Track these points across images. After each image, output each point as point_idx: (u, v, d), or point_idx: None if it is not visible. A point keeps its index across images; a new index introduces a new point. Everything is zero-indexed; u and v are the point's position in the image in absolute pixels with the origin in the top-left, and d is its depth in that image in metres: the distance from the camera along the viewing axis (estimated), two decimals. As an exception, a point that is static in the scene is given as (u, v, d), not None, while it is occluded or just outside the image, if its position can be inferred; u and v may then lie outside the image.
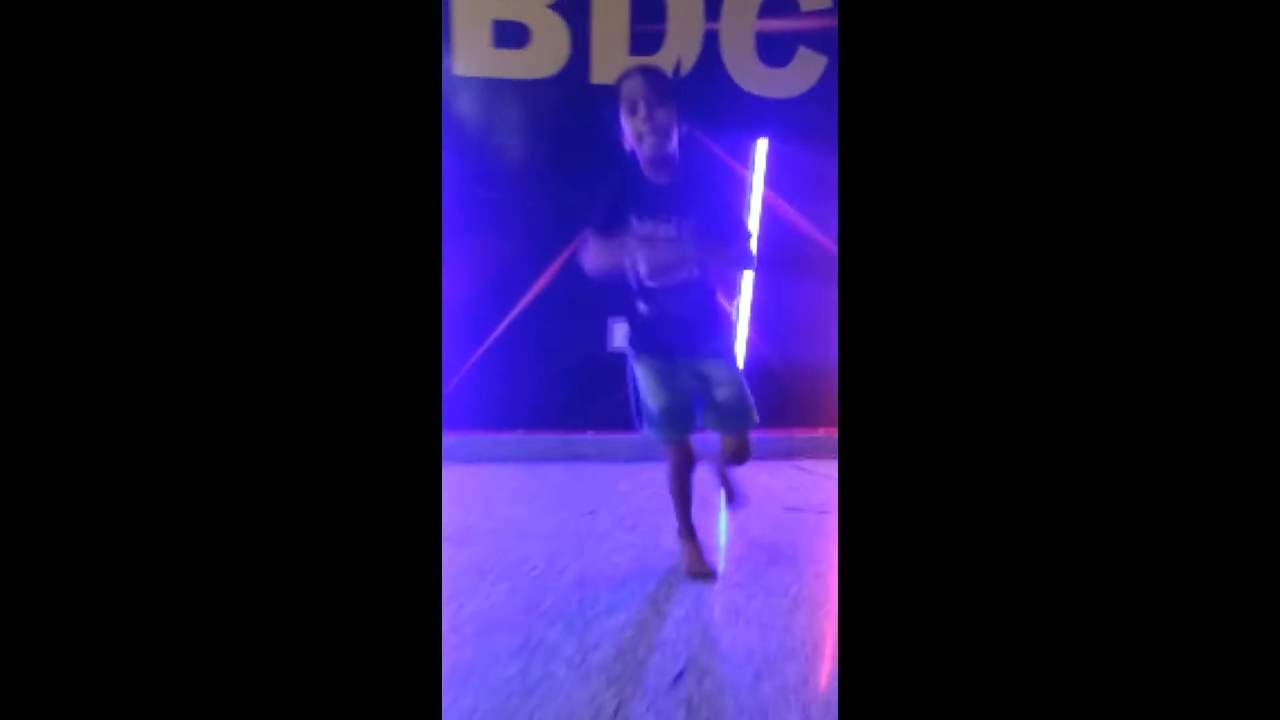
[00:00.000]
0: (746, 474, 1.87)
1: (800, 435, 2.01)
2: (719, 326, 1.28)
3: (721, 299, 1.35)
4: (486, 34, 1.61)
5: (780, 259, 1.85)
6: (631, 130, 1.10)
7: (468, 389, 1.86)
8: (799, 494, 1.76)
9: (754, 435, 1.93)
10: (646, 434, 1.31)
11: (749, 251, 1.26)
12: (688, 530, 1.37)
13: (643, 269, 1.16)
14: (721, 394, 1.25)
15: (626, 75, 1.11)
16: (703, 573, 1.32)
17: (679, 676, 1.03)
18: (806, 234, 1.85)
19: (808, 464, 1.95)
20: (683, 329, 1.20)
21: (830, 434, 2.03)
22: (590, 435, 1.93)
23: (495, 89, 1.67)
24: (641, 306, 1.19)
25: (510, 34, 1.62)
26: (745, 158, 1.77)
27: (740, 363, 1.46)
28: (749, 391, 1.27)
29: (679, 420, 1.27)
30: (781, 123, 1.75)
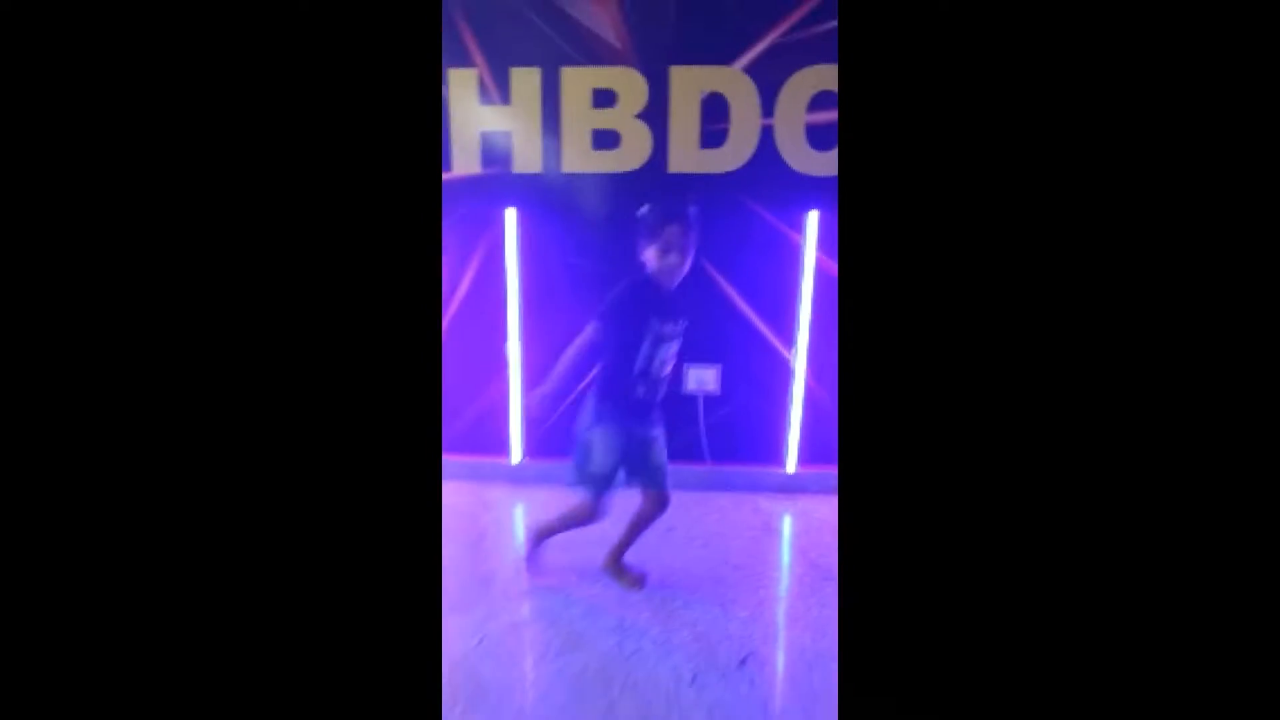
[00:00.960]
0: (807, 505, 2.08)
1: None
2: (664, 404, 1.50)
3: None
4: (587, 140, 2.01)
5: (831, 313, 2.09)
6: (661, 263, 1.31)
7: (561, 422, 2.20)
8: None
9: (806, 471, 2.16)
10: (576, 486, 1.47)
11: None
12: (544, 535, 1.58)
13: (658, 361, 1.38)
14: (656, 456, 1.46)
15: (668, 220, 1.31)
16: (632, 580, 1.53)
17: (744, 661, 1.26)
18: (857, 290, 2.09)
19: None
20: (654, 408, 1.45)
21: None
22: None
23: (596, 180, 2.05)
24: (640, 389, 1.40)
25: (605, 139, 2.01)
26: (799, 227, 2.05)
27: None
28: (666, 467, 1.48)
29: (607, 484, 1.44)
30: (830, 197, 2.02)
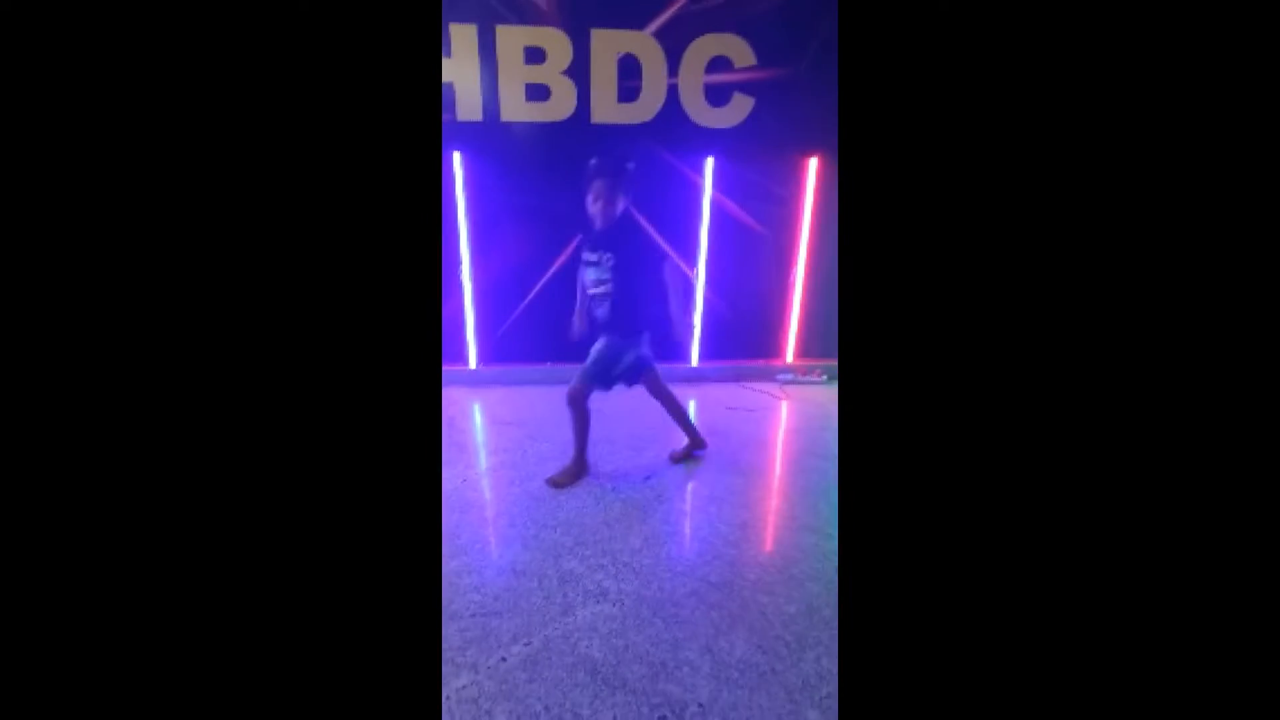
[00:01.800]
0: (706, 390, 2.68)
1: (745, 364, 2.82)
2: (626, 320, 1.79)
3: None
4: (521, 92, 2.36)
5: (726, 239, 2.63)
6: (592, 209, 1.65)
7: (513, 333, 2.67)
8: (739, 401, 2.57)
9: (707, 365, 2.76)
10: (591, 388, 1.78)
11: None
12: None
13: (590, 287, 1.72)
14: (628, 360, 1.80)
15: (595, 173, 1.61)
16: (558, 482, 1.81)
17: (648, 477, 1.86)
18: (743, 221, 2.63)
19: (749, 384, 2.77)
20: (602, 326, 1.76)
21: (764, 363, 2.83)
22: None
23: (527, 129, 2.42)
24: (581, 305, 1.80)
25: (537, 92, 2.37)
26: (700, 170, 2.53)
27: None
28: (597, 366, 1.77)
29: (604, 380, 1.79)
30: (724, 145, 2.50)
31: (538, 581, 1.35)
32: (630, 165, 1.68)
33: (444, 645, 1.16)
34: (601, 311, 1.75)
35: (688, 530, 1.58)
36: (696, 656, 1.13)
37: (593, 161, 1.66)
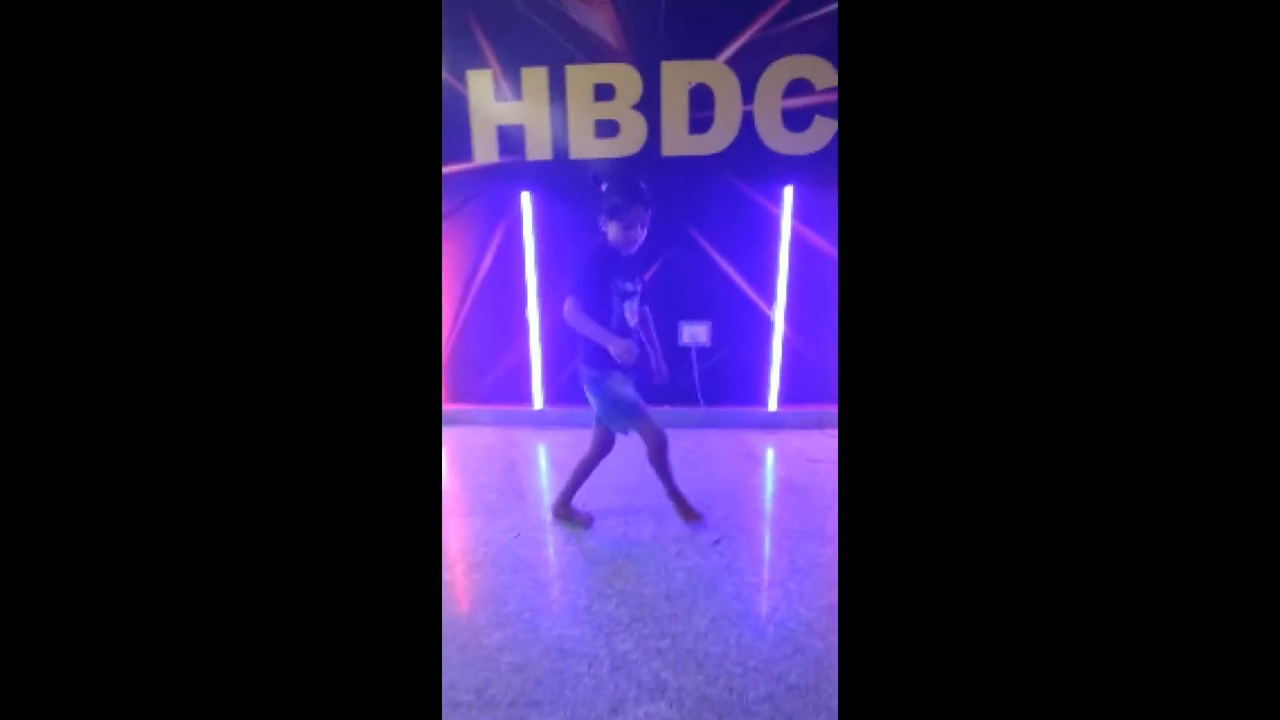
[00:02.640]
0: (784, 438, 2.44)
1: (828, 409, 2.54)
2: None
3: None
4: (590, 129, 2.32)
5: (805, 272, 2.41)
6: (624, 236, 1.50)
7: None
8: (822, 451, 2.30)
9: (786, 410, 2.51)
10: (621, 428, 1.66)
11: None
12: (573, 487, 1.77)
13: (628, 315, 1.59)
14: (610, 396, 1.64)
15: (633, 199, 1.48)
16: (575, 519, 1.74)
17: (717, 541, 1.65)
18: (825, 252, 2.40)
19: (832, 431, 2.48)
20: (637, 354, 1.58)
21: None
22: (666, 407, 2.58)
23: (599, 165, 2.37)
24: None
25: (606, 128, 2.32)
26: (777, 200, 2.35)
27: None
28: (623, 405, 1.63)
29: (641, 408, 1.64)
30: (803, 173, 2.31)
31: (587, 665, 1.18)
32: (644, 186, 1.55)
33: (475, 742, 1.01)
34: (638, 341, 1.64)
35: (764, 611, 1.35)
36: (772, 793, 0.91)
37: (604, 186, 1.55)
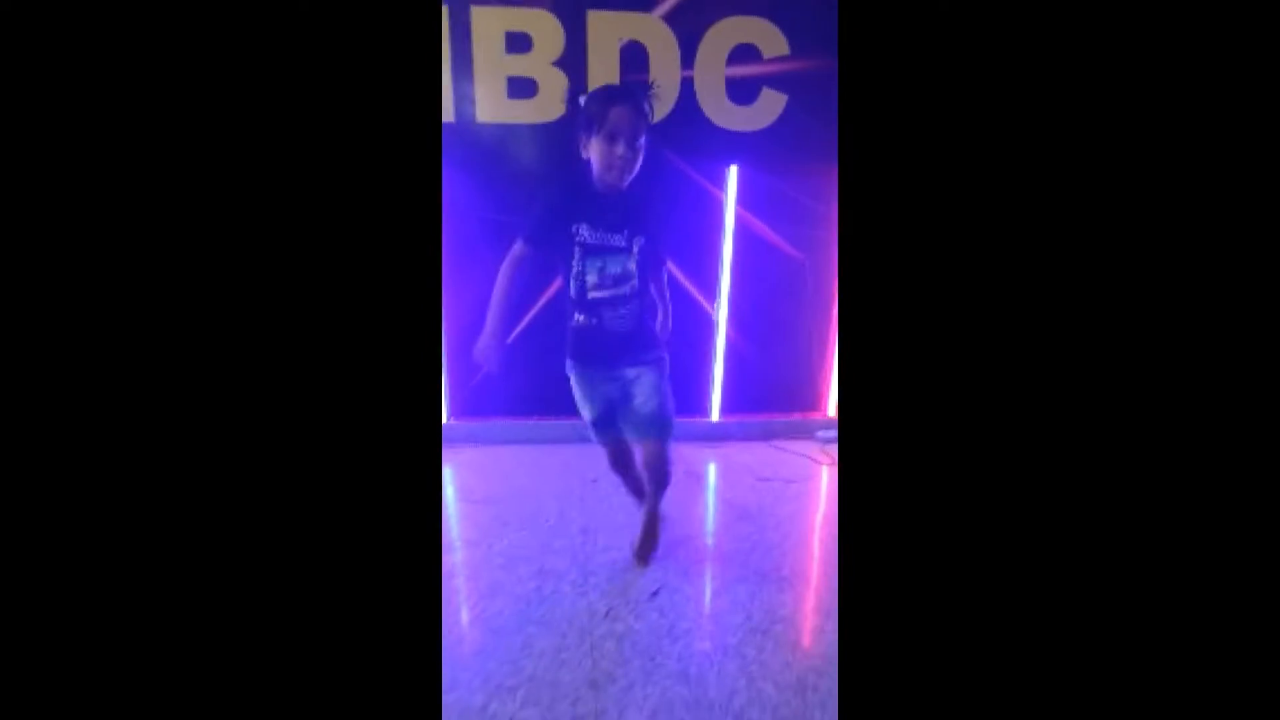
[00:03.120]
0: (729, 451, 2.17)
1: (777, 419, 2.30)
2: (648, 340, 1.26)
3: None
4: (502, 87, 1.93)
5: (752, 266, 2.14)
6: (606, 156, 1.08)
7: (493, 381, 2.18)
8: (771, 468, 2.05)
9: (730, 420, 2.24)
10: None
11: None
12: (652, 518, 1.43)
13: (591, 279, 1.14)
14: (641, 404, 1.25)
15: (614, 99, 1.08)
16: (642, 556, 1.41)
17: (656, 593, 1.33)
18: (774, 244, 2.15)
19: (782, 443, 2.24)
20: (614, 340, 1.20)
21: (801, 417, 2.31)
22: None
23: (510, 131, 1.99)
24: (579, 316, 1.19)
25: (521, 87, 1.94)
26: (720, 182, 2.07)
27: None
28: (670, 404, 1.28)
29: (609, 425, 1.32)
30: (750, 152, 2.04)
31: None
32: (648, 104, 1.13)
33: None
34: (620, 322, 1.19)
35: (715, 695, 1.04)
36: None
37: (584, 96, 1.14)
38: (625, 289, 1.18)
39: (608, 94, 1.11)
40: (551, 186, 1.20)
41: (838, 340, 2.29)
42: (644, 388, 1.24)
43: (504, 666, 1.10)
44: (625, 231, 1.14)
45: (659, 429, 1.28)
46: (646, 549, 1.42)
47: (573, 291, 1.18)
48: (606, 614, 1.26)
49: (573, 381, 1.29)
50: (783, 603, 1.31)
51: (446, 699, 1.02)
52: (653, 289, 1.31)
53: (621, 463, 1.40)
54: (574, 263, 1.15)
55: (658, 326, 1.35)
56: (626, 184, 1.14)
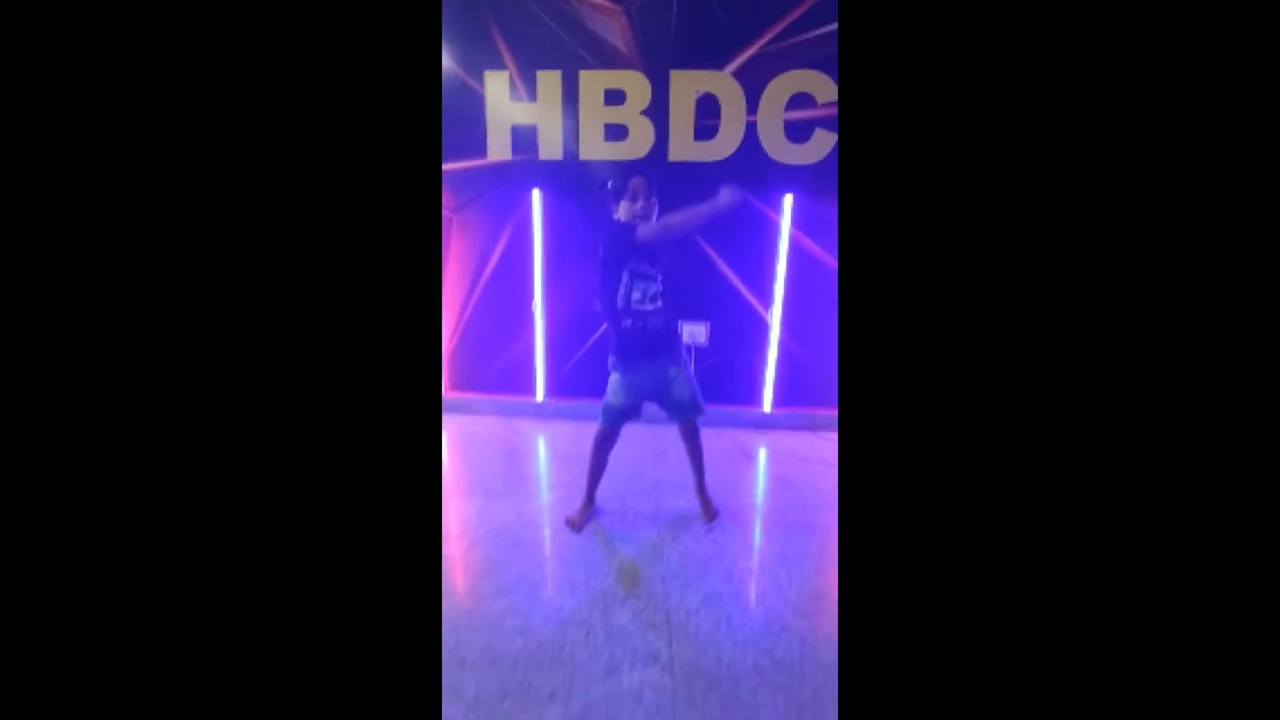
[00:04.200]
0: (777, 438, 2.52)
1: (821, 412, 2.62)
2: (677, 343, 1.70)
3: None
4: (600, 132, 2.41)
5: (802, 278, 2.50)
6: (629, 210, 1.56)
7: (581, 366, 2.65)
8: (814, 452, 2.38)
9: (780, 411, 2.59)
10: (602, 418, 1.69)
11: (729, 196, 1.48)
12: (590, 493, 1.77)
13: (636, 295, 1.54)
14: (679, 393, 1.66)
15: (630, 174, 1.57)
16: (575, 522, 1.72)
17: (710, 529, 1.72)
18: (822, 260, 2.49)
19: (824, 433, 2.56)
20: (653, 338, 1.60)
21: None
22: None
23: (607, 166, 2.46)
24: (627, 321, 1.58)
25: (615, 131, 2.41)
26: (777, 208, 2.44)
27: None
28: (697, 389, 1.69)
29: (620, 418, 1.68)
30: (803, 183, 2.41)
31: (585, 633, 1.25)
32: (652, 173, 1.61)
33: (477, 694, 1.08)
34: (655, 324, 1.60)
35: (753, 595, 1.42)
36: (756, 748, 0.98)
37: (610, 182, 1.61)
38: (658, 304, 1.62)
39: (626, 172, 1.61)
40: (600, 241, 1.61)
41: (838, 337, 2.57)
42: (680, 380, 1.67)
43: (603, 564, 1.52)
44: (657, 268, 1.62)
45: (695, 410, 1.70)
46: (709, 511, 1.80)
47: (620, 304, 1.58)
48: (672, 538, 1.66)
49: (614, 375, 1.65)
50: (809, 543, 1.66)
51: (560, 597, 1.45)
52: (658, 319, 1.66)
53: (606, 444, 1.73)
54: (623, 284, 1.57)
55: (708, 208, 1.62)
56: (650, 228, 1.54)
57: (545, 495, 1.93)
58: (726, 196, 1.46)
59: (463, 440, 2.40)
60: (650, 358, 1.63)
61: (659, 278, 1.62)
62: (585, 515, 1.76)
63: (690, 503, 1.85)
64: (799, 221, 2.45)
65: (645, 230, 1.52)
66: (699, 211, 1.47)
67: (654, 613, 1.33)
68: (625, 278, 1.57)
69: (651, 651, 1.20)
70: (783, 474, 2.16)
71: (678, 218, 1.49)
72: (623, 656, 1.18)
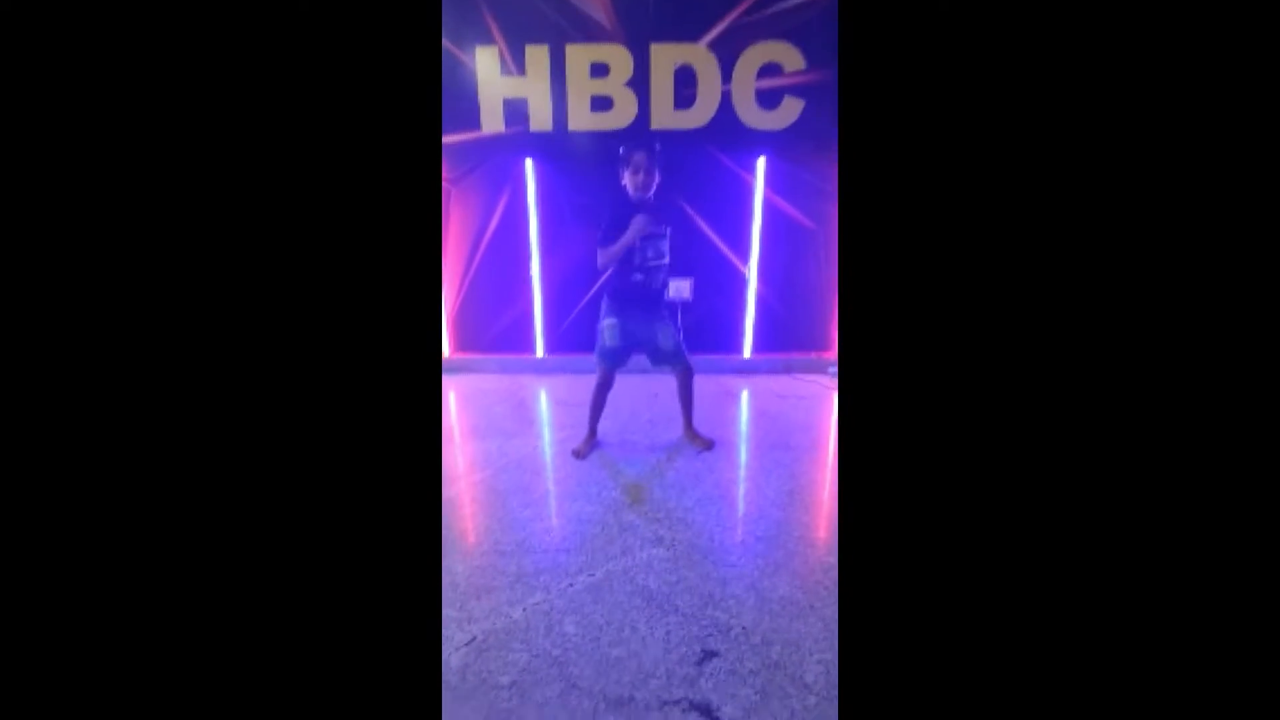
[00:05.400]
0: (757, 380, 2.79)
1: (795, 356, 2.90)
2: (664, 297, 1.95)
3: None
4: (587, 104, 2.59)
5: (776, 234, 2.74)
6: (633, 179, 1.75)
7: (577, 324, 2.88)
8: (791, 391, 2.66)
9: (759, 357, 2.86)
10: (597, 362, 1.93)
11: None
12: (593, 428, 2.03)
13: (649, 253, 1.77)
14: (665, 343, 1.90)
15: (636, 150, 1.76)
16: (580, 452, 1.97)
17: (709, 448, 2.00)
18: (794, 218, 2.73)
19: (799, 375, 2.85)
20: (653, 294, 1.85)
21: (815, 355, 2.91)
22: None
23: (594, 136, 2.64)
24: (637, 276, 1.81)
25: (601, 103, 2.59)
26: (751, 170, 2.67)
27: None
28: (683, 343, 1.93)
29: (616, 361, 1.92)
30: (775, 146, 2.63)
31: (601, 528, 1.52)
32: (658, 145, 1.80)
33: (518, 571, 1.34)
34: (659, 281, 1.86)
35: (739, 495, 1.70)
36: (742, 592, 1.26)
37: (621, 149, 1.80)
38: (664, 261, 1.86)
39: (632, 144, 1.80)
40: (606, 209, 1.81)
41: (838, 294, 2.84)
42: (668, 333, 1.92)
43: (610, 481, 1.79)
44: (664, 226, 1.82)
45: (682, 358, 1.94)
46: (705, 445, 2.05)
47: (637, 261, 1.81)
48: (669, 459, 1.93)
49: (608, 321, 1.88)
50: (785, 457, 1.94)
51: (578, 505, 1.72)
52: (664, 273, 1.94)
53: (606, 385, 1.98)
54: (637, 244, 1.79)
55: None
56: (650, 196, 1.79)
57: (549, 435, 2.19)
58: (638, 227, 1.74)
59: (472, 395, 2.63)
60: (645, 309, 1.86)
61: (667, 233, 1.83)
62: (589, 446, 2.01)
63: (681, 435, 2.12)
64: (771, 182, 2.68)
65: (602, 258, 1.78)
66: (624, 241, 1.76)
67: (657, 511, 1.60)
68: (638, 240, 1.77)
69: (657, 536, 1.47)
70: (762, 409, 2.44)
71: (615, 247, 1.77)
72: (633, 541, 1.45)
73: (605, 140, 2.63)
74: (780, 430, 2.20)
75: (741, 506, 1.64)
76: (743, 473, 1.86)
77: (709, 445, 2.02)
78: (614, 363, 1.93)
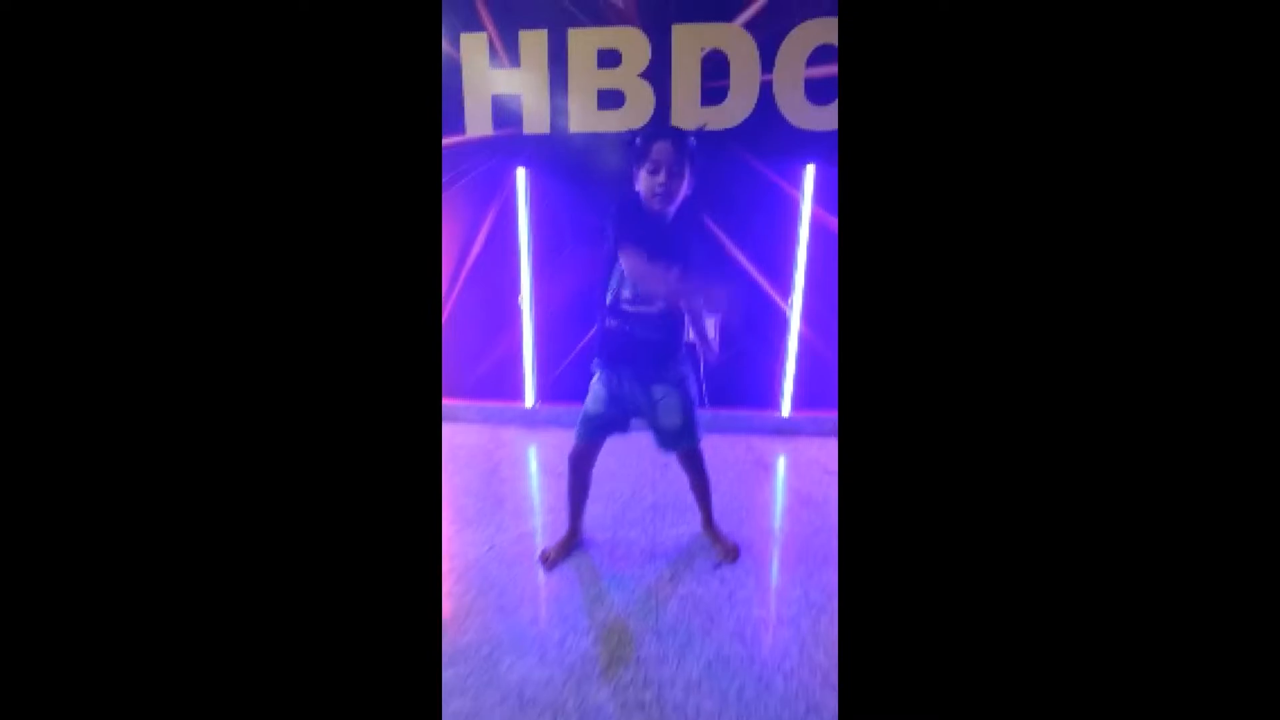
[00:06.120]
0: (799, 445, 2.20)
1: (850, 417, 2.29)
2: (677, 355, 1.33)
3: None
4: (593, 100, 2.11)
5: (825, 263, 2.17)
6: (648, 184, 1.18)
7: (574, 367, 2.37)
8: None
9: (801, 415, 2.26)
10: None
11: (723, 299, 1.19)
12: (574, 524, 1.49)
13: (625, 293, 1.23)
14: (665, 419, 1.34)
15: (658, 135, 1.17)
16: (550, 557, 1.43)
17: (718, 565, 1.42)
18: (852, 242, 2.16)
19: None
20: (643, 350, 1.27)
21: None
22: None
23: (600, 139, 2.16)
24: (610, 321, 1.27)
25: (610, 99, 2.11)
26: (797, 181, 2.12)
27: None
28: (694, 417, 1.37)
29: (599, 431, 1.37)
30: (827, 151, 2.07)
31: (551, 717, 0.96)
32: (692, 139, 1.21)
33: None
34: (645, 333, 1.27)
35: (771, 657, 1.12)
36: None
37: (639, 138, 1.21)
38: (655, 308, 1.25)
39: (653, 131, 1.21)
40: (615, 215, 1.23)
41: (838, 339, 2.24)
42: (670, 406, 1.33)
43: (582, 618, 1.23)
44: (662, 261, 1.17)
45: (685, 440, 1.40)
46: (728, 552, 1.47)
47: (608, 299, 1.26)
48: (672, 577, 1.36)
49: (595, 378, 1.36)
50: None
51: (525, 665, 1.17)
52: (687, 317, 1.39)
53: (584, 461, 1.43)
54: (614, 275, 1.24)
55: (699, 350, 1.44)
56: (670, 211, 1.22)
57: (527, 522, 1.65)
58: (717, 303, 1.21)
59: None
60: (641, 367, 1.30)
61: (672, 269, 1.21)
62: (564, 550, 1.46)
63: (696, 530, 1.55)
64: (823, 196, 2.11)
65: (628, 264, 1.17)
66: (690, 298, 1.25)
67: (642, 688, 1.03)
68: (617, 268, 1.22)
69: (634, 749, 0.91)
70: (805, 491, 1.84)
71: (673, 284, 1.19)
72: (596, 756, 0.89)
73: (615, 143, 2.14)
74: (829, 529, 1.60)
75: (774, 684, 1.05)
76: (776, 610, 1.27)
77: (732, 555, 1.45)
78: (594, 434, 1.39)
